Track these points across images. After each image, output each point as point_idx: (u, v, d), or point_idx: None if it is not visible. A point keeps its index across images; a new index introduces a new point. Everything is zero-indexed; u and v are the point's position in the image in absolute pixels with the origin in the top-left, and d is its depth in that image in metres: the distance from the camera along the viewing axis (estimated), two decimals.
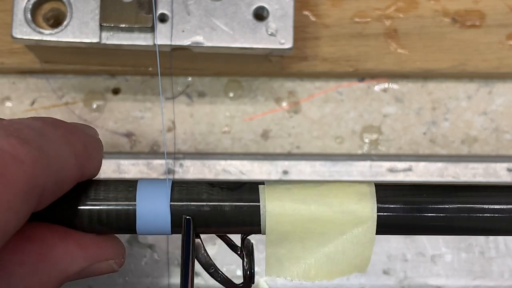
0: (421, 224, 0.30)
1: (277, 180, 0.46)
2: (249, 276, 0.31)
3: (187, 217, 0.29)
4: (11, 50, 0.46)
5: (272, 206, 0.30)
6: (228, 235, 0.32)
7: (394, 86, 0.48)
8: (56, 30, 0.41)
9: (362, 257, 0.30)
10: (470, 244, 0.46)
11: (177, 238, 0.44)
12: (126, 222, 0.29)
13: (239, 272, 0.46)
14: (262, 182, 0.31)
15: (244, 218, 0.30)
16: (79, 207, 0.29)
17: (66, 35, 0.41)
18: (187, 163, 0.46)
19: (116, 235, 0.31)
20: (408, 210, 0.30)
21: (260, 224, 0.30)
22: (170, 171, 0.46)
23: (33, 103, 0.48)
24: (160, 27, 0.41)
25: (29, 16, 0.41)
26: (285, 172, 0.46)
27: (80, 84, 0.48)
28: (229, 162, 0.46)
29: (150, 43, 0.41)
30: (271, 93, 0.48)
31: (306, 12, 0.47)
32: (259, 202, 0.30)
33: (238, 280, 0.31)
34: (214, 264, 0.30)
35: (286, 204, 0.29)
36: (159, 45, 0.41)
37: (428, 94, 0.48)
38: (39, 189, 0.26)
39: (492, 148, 0.48)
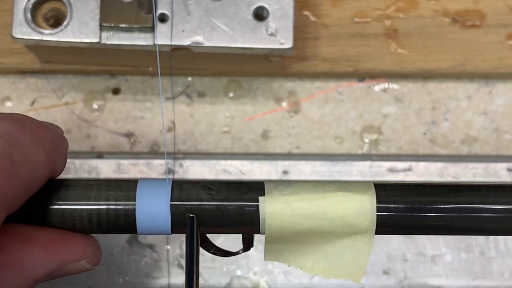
0: (421, 224, 0.30)
1: (277, 180, 0.46)
2: (248, 239, 0.31)
3: (191, 215, 0.29)
4: (11, 50, 0.46)
5: (272, 207, 0.30)
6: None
7: (394, 86, 0.48)
8: (56, 30, 0.41)
9: (357, 264, 0.30)
10: (470, 244, 0.46)
11: (177, 238, 0.44)
12: (126, 222, 0.29)
13: (239, 272, 0.46)
14: (261, 182, 0.31)
15: (243, 218, 0.30)
16: (71, 207, 0.29)
17: (66, 35, 0.41)
18: (187, 163, 0.46)
19: (116, 234, 0.31)
20: (408, 210, 0.30)
21: (259, 225, 0.30)
22: (170, 171, 0.46)
23: (33, 103, 0.48)
24: (160, 27, 0.41)
25: (29, 16, 0.41)
26: (285, 172, 0.46)
27: (80, 84, 0.48)
28: (229, 162, 0.46)
29: (150, 43, 0.41)
30: (271, 93, 0.48)
31: (306, 12, 0.47)
32: (258, 202, 0.30)
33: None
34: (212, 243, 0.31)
35: (285, 212, 0.30)
36: (159, 45, 0.41)
37: (428, 94, 0.48)
38: (9, 201, 0.26)
39: (492, 148, 0.48)
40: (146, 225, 0.30)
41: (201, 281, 0.45)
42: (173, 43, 0.41)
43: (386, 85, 0.48)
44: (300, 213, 0.29)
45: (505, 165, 0.47)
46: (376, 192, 0.30)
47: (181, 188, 0.30)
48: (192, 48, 0.42)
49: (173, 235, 0.30)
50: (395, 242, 0.46)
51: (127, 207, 0.29)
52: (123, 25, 0.41)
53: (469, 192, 0.30)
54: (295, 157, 0.47)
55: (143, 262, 0.46)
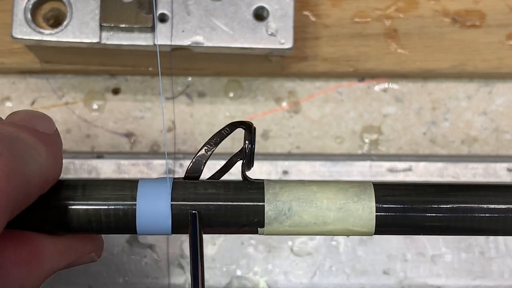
0: (421, 224, 0.30)
1: (277, 180, 0.46)
2: (249, 148, 0.31)
3: (194, 211, 0.29)
4: (11, 50, 0.46)
5: (272, 208, 0.30)
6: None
7: (394, 86, 0.48)
8: (56, 30, 0.41)
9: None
10: (470, 244, 0.46)
11: (177, 238, 0.44)
12: (126, 222, 0.29)
13: (239, 272, 0.46)
14: (261, 181, 0.31)
15: (244, 218, 0.30)
16: (70, 207, 0.29)
17: (66, 35, 0.41)
18: (187, 163, 0.46)
19: (116, 235, 0.31)
20: (408, 210, 0.30)
21: (259, 225, 0.30)
22: (170, 171, 0.46)
23: (33, 103, 0.48)
24: (160, 27, 0.41)
25: (29, 16, 0.41)
26: (285, 172, 0.46)
27: (80, 84, 0.48)
28: None
29: (150, 43, 0.41)
30: (271, 93, 0.48)
31: (306, 12, 0.47)
32: (258, 202, 0.30)
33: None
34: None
35: (283, 231, 0.30)
36: (159, 45, 0.41)
37: (428, 94, 0.48)
38: (12, 204, 0.26)
39: (492, 148, 0.48)
40: (146, 225, 0.29)
41: None
42: (173, 43, 0.41)
43: (386, 85, 0.48)
44: (299, 222, 0.30)
45: (505, 165, 0.47)
46: (375, 192, 0.30)
47: (181, 188, 0.30)
48: (192, 48, 0.42)
49: (173, 235, 0.30)
50: (395, 242, 0.46)
51: (127, 207, 0.29)
52: (123, 25, 0.41)
53: (469, 192, 0.30)
54: (295, 157, 0.47)
55: (143, 262, 0.46)
